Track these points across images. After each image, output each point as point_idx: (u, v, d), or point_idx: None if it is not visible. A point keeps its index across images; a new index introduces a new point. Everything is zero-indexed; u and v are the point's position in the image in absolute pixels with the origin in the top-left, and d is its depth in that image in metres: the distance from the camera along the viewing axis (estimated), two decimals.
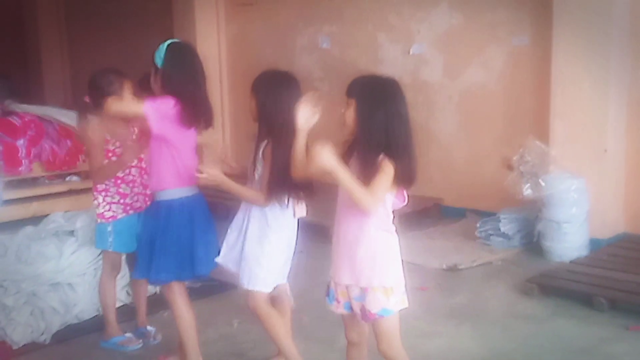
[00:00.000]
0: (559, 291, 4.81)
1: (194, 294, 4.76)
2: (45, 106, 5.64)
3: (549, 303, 4.72)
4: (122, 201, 3.96)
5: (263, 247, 3.41)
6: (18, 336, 4.14)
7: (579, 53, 5.69)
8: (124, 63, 9.01)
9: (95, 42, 10.33)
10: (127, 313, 4.41)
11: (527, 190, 5.59)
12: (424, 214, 6.79)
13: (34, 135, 5.03)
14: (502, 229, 5.85)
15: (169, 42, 3.51)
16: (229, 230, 3.55)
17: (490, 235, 5.92)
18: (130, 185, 3.96)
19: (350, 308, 2.99)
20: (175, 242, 3.51)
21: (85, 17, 10.52)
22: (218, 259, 3.56)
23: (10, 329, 4.16)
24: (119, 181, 3.95)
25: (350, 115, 2.90)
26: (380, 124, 2.82)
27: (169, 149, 3.46)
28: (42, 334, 4.23)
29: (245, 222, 3.46)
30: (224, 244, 3.54)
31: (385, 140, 2.80)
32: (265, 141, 3.37)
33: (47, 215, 4.81)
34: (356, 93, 2.91)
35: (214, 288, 4.96)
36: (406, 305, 2.98)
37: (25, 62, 11.09)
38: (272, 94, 3.35)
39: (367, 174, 2.78)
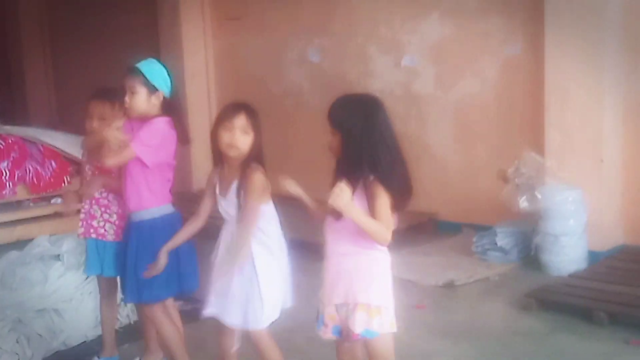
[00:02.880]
0: (558, 306, 4.75)
1: (186, 317, 4.68)
2: (29, 127, 5.57)
3: (548, 318, 4.66)
4: (88, 222, 3.88)
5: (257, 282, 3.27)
6: None
7: (573, 62, 5.65)
8: (110, 80, 8.97)
9: (80, 60, 10.26)
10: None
11: (523, 203, 5.53)
12: (419, 230, 6.71)
13: (18, 157, 4.96)
14: (499, 244, 5.78)
15: (162, 65, 3.57)
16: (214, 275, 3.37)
17: (487, 250, 5.86)
18: (102, 209, 3.86)
19: (339, 332, 2.95)
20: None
21: (70, 34, 10.45)
22: (208, 312, 3.36)
23: None
24: (93, 201, 3.88)
25: (335, 141, 2.89)
26: (364, 146, 2.81)
27: (151, 170, 3.49)
28: None
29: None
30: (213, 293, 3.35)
31: (371, 163, 2.79)
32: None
33: (32, 239, 4.74)
34: (337, 117, 2.89)
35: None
36: (394, 329, 2.93)
37: (8, 82, 11.01)
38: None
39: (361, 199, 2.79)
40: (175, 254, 3.53)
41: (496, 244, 5.79)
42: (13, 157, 4.91)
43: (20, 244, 4.83)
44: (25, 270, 4.52)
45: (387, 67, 7.21)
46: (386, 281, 2.92)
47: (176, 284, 3.61)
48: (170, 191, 3.67)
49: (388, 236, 2.82)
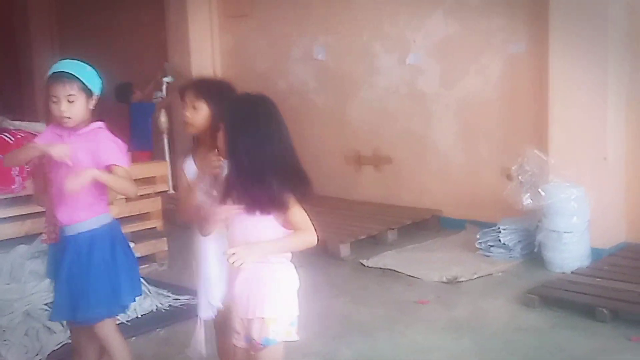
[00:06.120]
0: (561, 302, 4.77)
1: (179, 316, 4.68)
2: (38, 123, 5.59)
3: (550, 314, 4.68)
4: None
5: None
6: (13, 357, 4.09)
7: (576, 60, 5.66)
8: (119, 77, 8.99)
9: (89, 56, 10.23)
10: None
11: (526, 200, 5.54)
12: (423, 226, 6.76)
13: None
14: (503, 240, 5.79)
15: (88, 64, 3.34)
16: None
17: (491, 246, 5.87)
18: None
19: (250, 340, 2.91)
20: (104, 273, 3.31)
21: (78, 31, 10.49)
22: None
23: (4, 349, 4.11)
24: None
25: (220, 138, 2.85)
26: (248, 150, 2.75)
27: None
28: (37, 354, 4.16)
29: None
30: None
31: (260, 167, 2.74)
32: None
33: (41, 233, 4.75)
34: (224, 117, 2.84)
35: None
36: (294, 338, 2.89)
37: (18, 79, 11.04)
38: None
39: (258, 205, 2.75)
40: (114, 267, 3.34)
41: (500, 240, 5.80)
42: None
43: (29, 238, 4.85)
44: (34, 263, 4.55)
45: (392, 64, 7.24)
46: (283, 292, 2.85)
47: (117, 302, 3.41)
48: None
49: (312, 237, 2.80)
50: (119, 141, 3.31)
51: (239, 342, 2.92)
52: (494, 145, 6.60)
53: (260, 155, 2.74)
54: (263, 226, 2.80)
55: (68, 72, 3.23)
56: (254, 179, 2.74)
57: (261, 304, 2.81)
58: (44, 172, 3.45)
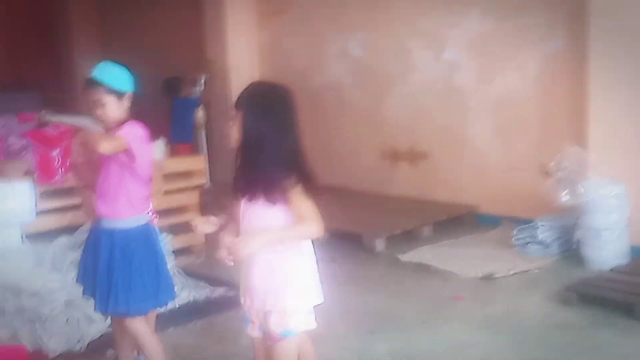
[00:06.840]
0: (599, 300, 4.71)
1: (216, 307, 4.75)
2: (79, 116, 5.68)
3: (588, 312, 4.62)
4: None
5: None
6: (54, 345, 4.17)
7: (616, 55, 5.59)
8: (158, 72, 9.06)
9: (128, 50, 10.40)
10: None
11: (565, 197, 5.50)
12: (459, 222, 6.74)
13: (69, 145, 5.06)
14: (540, 237, 5.75)
15: (117, 63, 3.43)
16: None
17: (527, 243, 5.83)
18: None
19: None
20: (137, 271, 3.39)
21: (118, 25, 10.63)
22: None
23: (46, 337, 4.19)
24: None
25: (236, 127, 2.79)
26: (267, 137, 2.71)
27: (132, 176, 3.35)
28: (78, 342, 4.24)
29: None
30: None
31: (274, 155, 2.71)
32: None
33: (82, 225, 4.85)
34: (243, 104, 2.79)
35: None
36: (312, 326, 2.87)
37: (59, 72, 11.19)
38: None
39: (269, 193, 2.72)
40: (154, 264, 3.46)
41: (537, 237, 5.77)
42: (64, 145, 5.02)
43: (70, 229, 4.94)
44: (75, 254, 4.61)
45: (428, 60, 7.22)
46: (298, 282, 2.82)
47: (154, 299, 3.51)
48: (147, 201, 3.51)
49: (316, 228, 2.71)
50: (138, 127, 3.34)
51: (254, 332, 2.95)
52: (531, 142, 6.55)
53: (270, 142, 2.71)
54: (271, 216, 2.76)
55: (93, 78, 3.34)
56: (260, 165, 2.72)
57: (283, 295, 2.80)
58: (92, 164, 3.52)
